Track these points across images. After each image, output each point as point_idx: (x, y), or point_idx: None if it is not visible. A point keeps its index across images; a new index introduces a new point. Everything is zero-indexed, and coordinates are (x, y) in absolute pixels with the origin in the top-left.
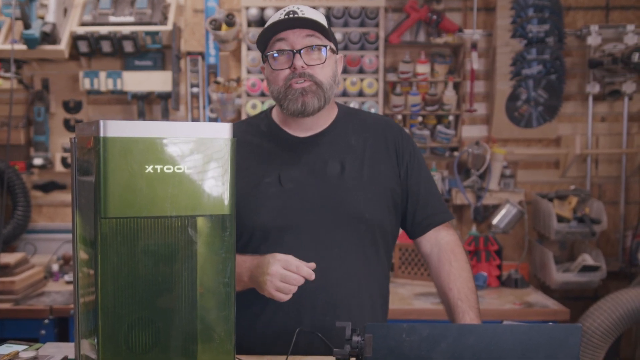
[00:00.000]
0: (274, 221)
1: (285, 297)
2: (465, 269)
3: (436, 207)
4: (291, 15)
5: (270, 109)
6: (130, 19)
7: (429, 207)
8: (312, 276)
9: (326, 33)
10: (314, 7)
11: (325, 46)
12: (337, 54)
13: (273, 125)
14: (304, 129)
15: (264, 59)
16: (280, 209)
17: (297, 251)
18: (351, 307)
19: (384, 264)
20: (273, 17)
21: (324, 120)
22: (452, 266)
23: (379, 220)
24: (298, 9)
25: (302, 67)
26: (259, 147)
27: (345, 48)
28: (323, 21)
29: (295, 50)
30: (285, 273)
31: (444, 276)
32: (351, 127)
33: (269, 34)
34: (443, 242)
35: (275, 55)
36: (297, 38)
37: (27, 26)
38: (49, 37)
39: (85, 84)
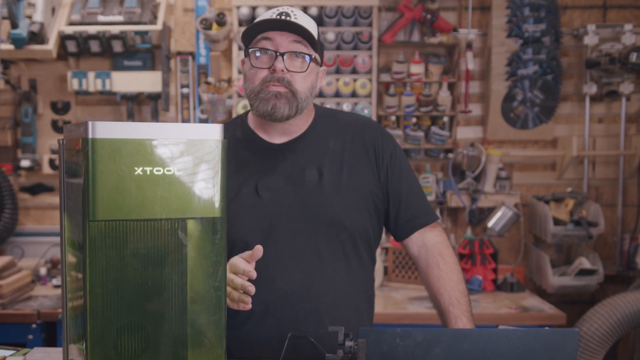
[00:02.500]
0: (253, 233)
1: (238, 306)
2: (454, 271)
3: (420, 208)
4: (283, 17)
5: (246, 113)
6: (120, 18)
7: (411, 209)
8: (252, 274)
9: (314, 43)
10: (306, 7)
11: (310, 55)
12: (320, 66)
13: (248, 131)
14: (279, 134)
15: (246, 53)
16: (258, 220)
17: (278, 262)
18: (335, 316)
19: (368, 268)
20: (264, 14)
21: (300, 125)
22: (441, 269)
23: (359, 226)
24: (292, 12)
25: (282, 70)
26: (235, 155)
27: (338, 48)
28: (314, 30)
29: (278, 53)
30: (229, 277)
31: (433, 280)
32: (328, 130)
33: (255, 31)
34: (430, 244)
35: (258, 54)
36: (284, 41)
37: (14, 26)
38: (37, 36)
39: (74, 84)
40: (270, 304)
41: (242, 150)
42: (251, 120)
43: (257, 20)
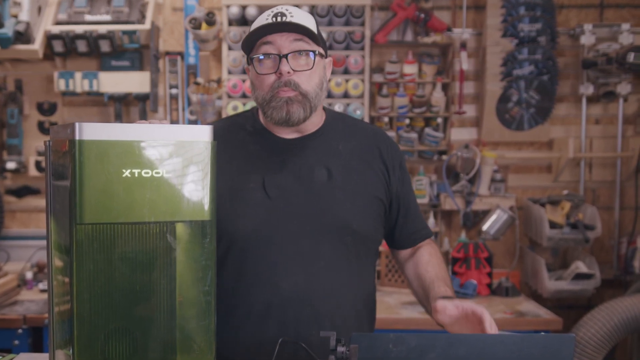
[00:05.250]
0: (256, 230)
1: None
2: (443, 268)
3: (421, 221)
4: (279, 19)
5: (257, 108)
6: (107, 17)
7: (415, 222)
8: None
9: (315, 37)
10: (297, 6)
11: (314, 51)
12: (326, 57)
13: (258, 125)
14: (290, 132)
15: (249, 61)
16: (264, 217)
17: (280, 263)
18: (335, 321)
19: (370, 274)
20: (260, 18)
21: (311, 124)
22: (432, 258)
23: (366, 231)
24: (287, 10)
25: (289, 72)
26: (243, 148)
27: (330, 48)
28: (312, 25)
29: (281, 55)
30: None
31: (422, 265)
32: (339, 132)
33: (255, 37)
34: (421, 247)
35: (261, 58)
36: (284, 42)
37: None
38: (23, 36)
39: (60, 85)
40: (272, 305)
41: (251, 143)
42: (262, 116)
43: (253, 26)
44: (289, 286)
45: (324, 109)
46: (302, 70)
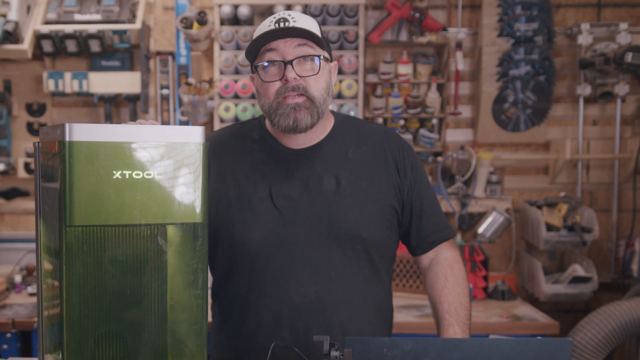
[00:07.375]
0: (265, 240)
1: None
2: (460, 285)
3: (440, 222)
4: (282, 24)
5: (264, 116)
6: (97, 16)
7: (432, 224)
8: None
9: (319, 41)
10: (290, 5)
11: (319, 56)
12: (331, 61)
13: (266, 134)
14: (297, 141)
15: (253, 69)
16: (272, 227)
17: (290, 273)
18: (348, 330)
19: (384, 282)
20: (262, 25)
21: (319, 132)
22: (448, 281)
23: (377, 239)
24: (289, 16)
25: (295, 78)
26: (250, 157)
27: None
28: (316, 29)
29: (286, 61)
30: None
31: (437, 290)
32: (348, 139)
33: (258, 44)
34: (442, 257)
35: (266, 65)
36: (289, 48)
37: None
38: (11, 36)
39: (50, 85)
40: (283, 315)
41: (257, 152)
42: (269, 124)
43: (256, 33)
44: (299, 296)
45: (333, 113)
46: (307, 75)
